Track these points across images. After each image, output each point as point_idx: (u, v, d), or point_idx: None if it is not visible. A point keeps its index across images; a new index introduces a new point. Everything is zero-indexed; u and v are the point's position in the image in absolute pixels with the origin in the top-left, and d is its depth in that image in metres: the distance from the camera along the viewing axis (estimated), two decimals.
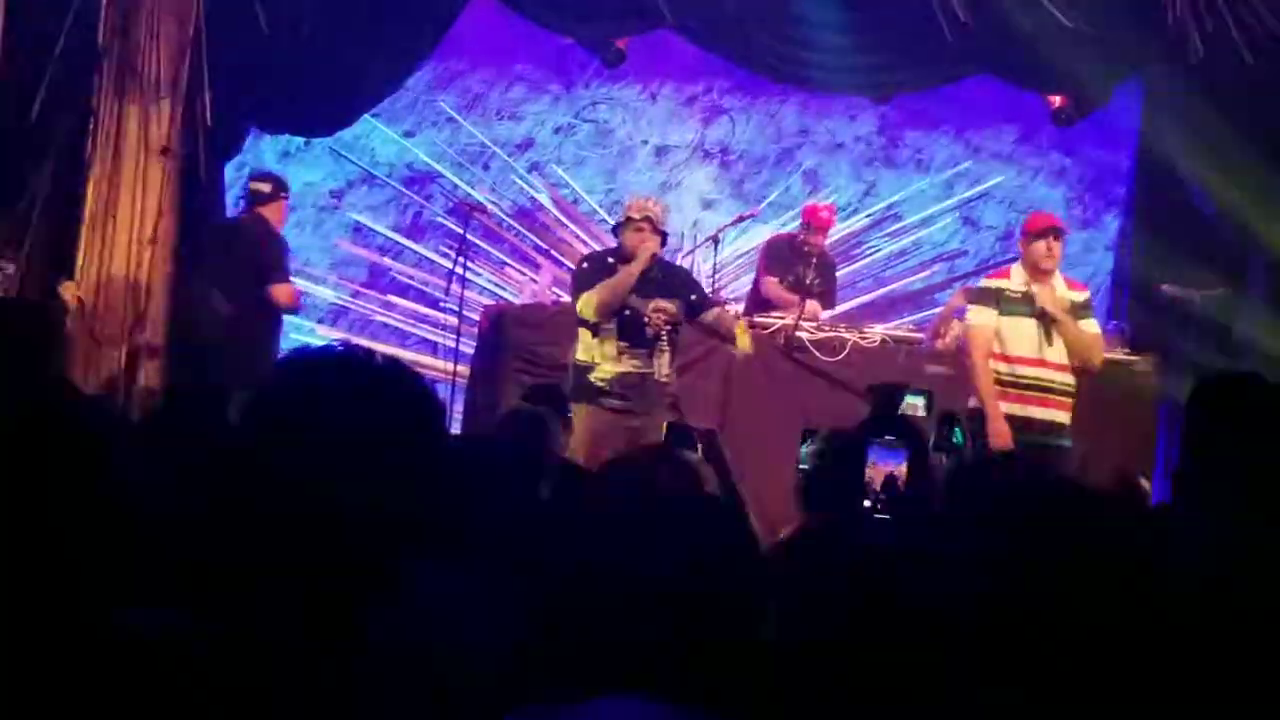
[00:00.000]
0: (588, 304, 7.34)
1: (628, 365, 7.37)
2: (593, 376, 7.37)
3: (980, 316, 7.61)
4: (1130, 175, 11.54)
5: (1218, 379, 3.00)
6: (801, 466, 4.90)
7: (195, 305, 8.90)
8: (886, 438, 3.01)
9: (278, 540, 1.63)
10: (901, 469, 2.98)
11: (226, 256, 8.91)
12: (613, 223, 8.19)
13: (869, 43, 10.17)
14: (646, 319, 7.31)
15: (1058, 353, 7.58)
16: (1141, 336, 9.94)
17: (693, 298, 7.62)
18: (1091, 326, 7.78)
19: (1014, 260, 8.13)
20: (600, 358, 7.38)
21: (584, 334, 7.45)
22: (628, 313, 7.35)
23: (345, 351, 1.73)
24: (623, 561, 2.12)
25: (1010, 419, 7.38)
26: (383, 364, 1.72)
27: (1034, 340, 7.54)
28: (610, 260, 7.55)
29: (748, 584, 2.13)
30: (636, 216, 7.45)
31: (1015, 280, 7.65)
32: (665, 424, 6.41)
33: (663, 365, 7.33)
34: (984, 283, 7.92)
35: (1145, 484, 6.12)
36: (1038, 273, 7.61)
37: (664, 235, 7.56)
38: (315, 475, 1.62)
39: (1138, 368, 9.12)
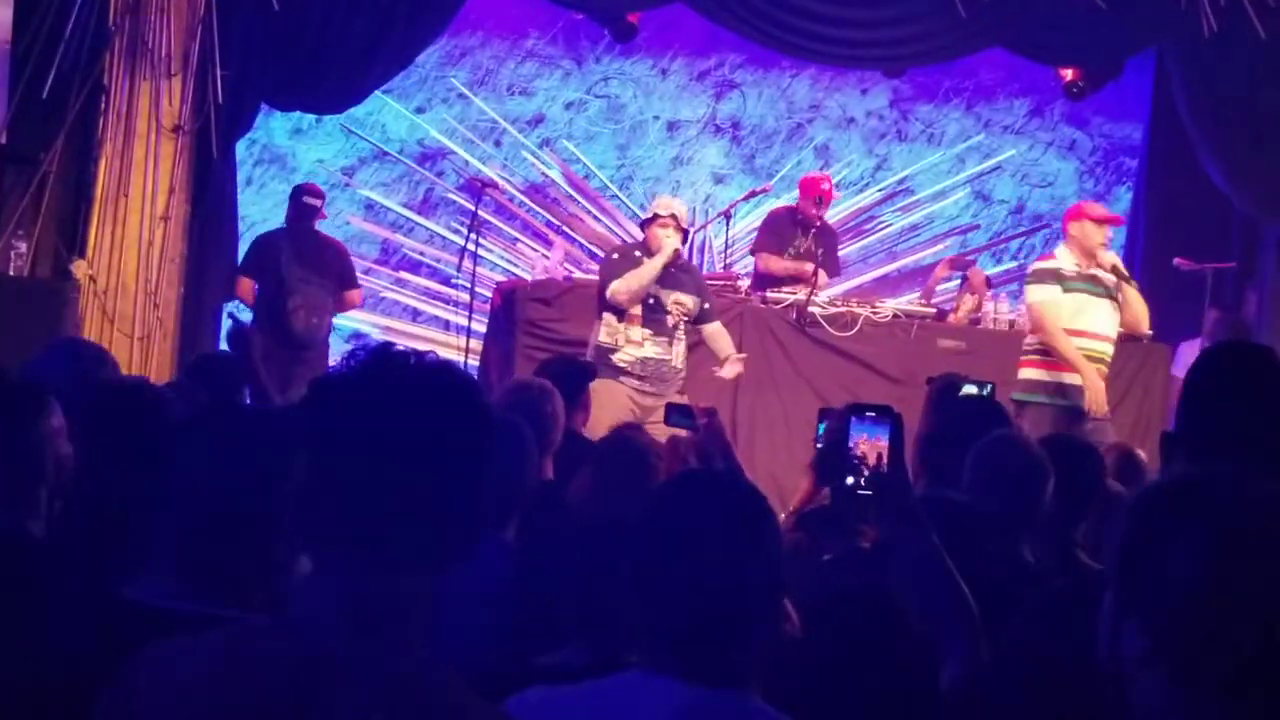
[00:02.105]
0: (617, 291, 7.85)
1: (650, 350, 7.89)
2: (616, 357, 7.81)
3: (1044, 292, 7.85)
4: (1143, 149, 11.52)
5: (1223, 347, 3.01)
6: (820, 445, 4.92)
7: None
8: (868, 414, 3.02)
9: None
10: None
11: (320, 265, 9.64)
12: (641, 214, 8.95)
13: (881, 16, 10.15)
14: (669, 310, 7.91)
15: (1109, 326, 7.90)
16: (1150, 310, 9.93)
17: (705, 305, 8.13)
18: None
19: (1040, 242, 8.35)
20: (624, 341, 7.87)
21: (608, 317, 7.92)
22: (652, 301, 7.90)
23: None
24: (650, 538, 2.15)
25: (1076, 389, 7.69)
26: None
27: (1093, 316, 7.85)
28: (637, 254, 8.07)
29: (773, 567, 2.15)
30: (663, 214, 8.07)
31: (1065, 261, 7.92)
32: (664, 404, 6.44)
33: (679, 354, 7.99)
34: (1039, 265, 8.08)
35: (1143, 455, 6.14)
36: (1091, 256, 7.87)
37: (685, 233, 8.17)
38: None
39: (1147, 342, 9.10)
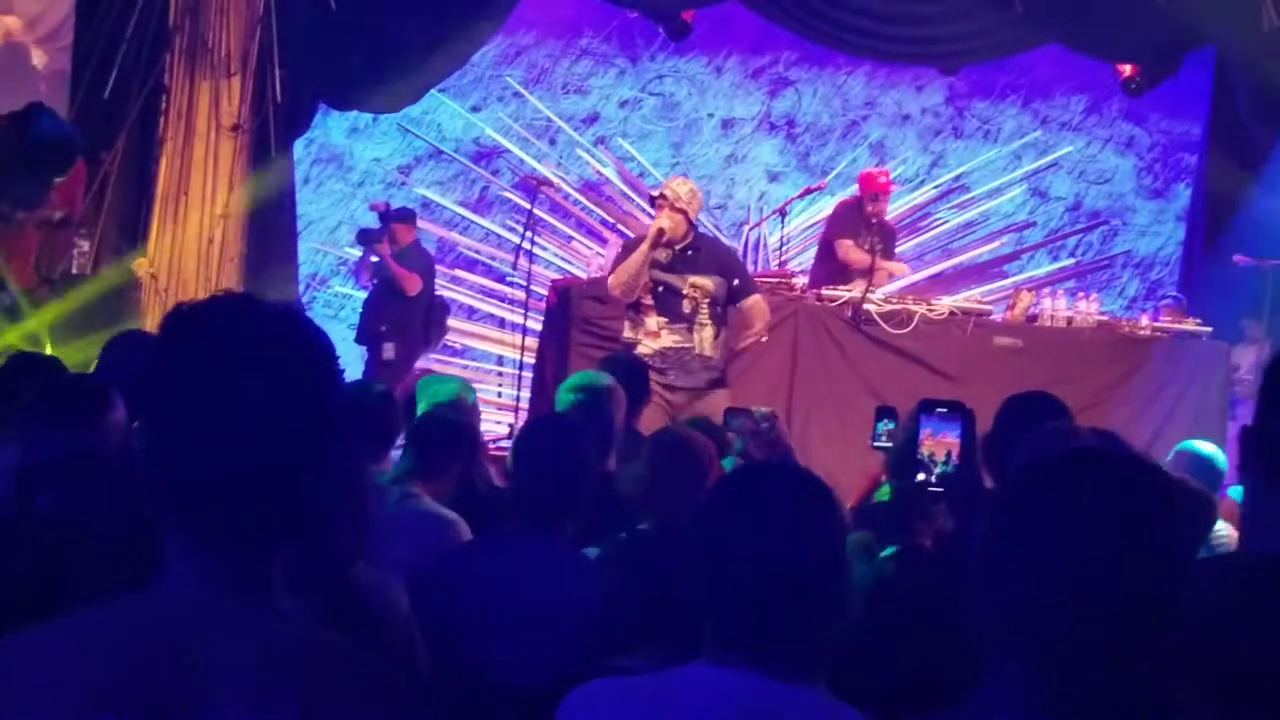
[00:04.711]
0: (611, 287, 7.57)
1: (668, 340, 7.47)
2: (637, 351, 7.44)
3: None
4: (1201, 144, 11.43)
5: None
6: (875, 444, 4.89)
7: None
8: (939, 410, 3.00)
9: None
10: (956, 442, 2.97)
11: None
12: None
13: (937, 13, 10.11)
14: (685, 294, 7.44)
15: None
16: (1209, 307, 9.86)
17: (735, 282, 7.63)
18: None
19: None
20: (642, 334, 7.51)
21: (629, 311, 7.62)
22: (661, 289, 7.49)
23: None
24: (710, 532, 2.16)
25: None
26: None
27: None
28: None
29: (837, 558, 2.15)
30: (655, 194, 7.67)
31: None
32: (724, 409, 6.36)
33: (705, 340, 7.47)
34: None
35: (1211, 448, 6.12)
36: None
37: (684, 214, 7.53)
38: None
39: (1207, 339, 9.02)
